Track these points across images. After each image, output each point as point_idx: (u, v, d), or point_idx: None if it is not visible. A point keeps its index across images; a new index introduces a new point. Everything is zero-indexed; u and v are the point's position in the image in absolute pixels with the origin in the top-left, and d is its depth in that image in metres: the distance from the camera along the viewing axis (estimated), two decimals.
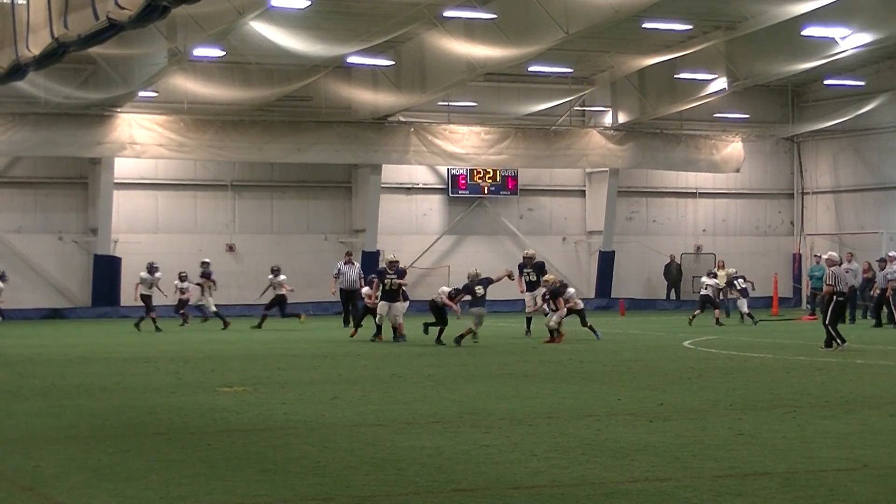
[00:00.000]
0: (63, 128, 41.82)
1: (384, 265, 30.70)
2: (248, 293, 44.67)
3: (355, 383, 19.19)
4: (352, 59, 41.27)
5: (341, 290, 36.87)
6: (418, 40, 40.83)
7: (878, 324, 35.72)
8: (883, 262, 37.53)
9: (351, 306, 36.12)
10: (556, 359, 24.29)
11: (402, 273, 30.20)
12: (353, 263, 37.16)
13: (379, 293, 29.70)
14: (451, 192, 48.44)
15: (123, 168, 44.01)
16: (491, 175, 48.44)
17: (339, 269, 36.66)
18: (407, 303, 30.72)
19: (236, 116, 43.96)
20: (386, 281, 29.41)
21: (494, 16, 36.99)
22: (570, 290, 30.07)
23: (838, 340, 25.45)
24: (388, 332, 29.81)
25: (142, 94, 41.82)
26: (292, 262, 44.93)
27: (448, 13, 37.27)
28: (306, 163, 45.76)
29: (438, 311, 28.81)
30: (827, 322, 25.63)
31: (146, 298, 35.85)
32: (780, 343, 26.92)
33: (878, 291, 36.36)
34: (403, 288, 30.08)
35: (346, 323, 35.74)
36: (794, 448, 12.29)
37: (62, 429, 14.21)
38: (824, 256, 28.14)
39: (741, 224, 53.19)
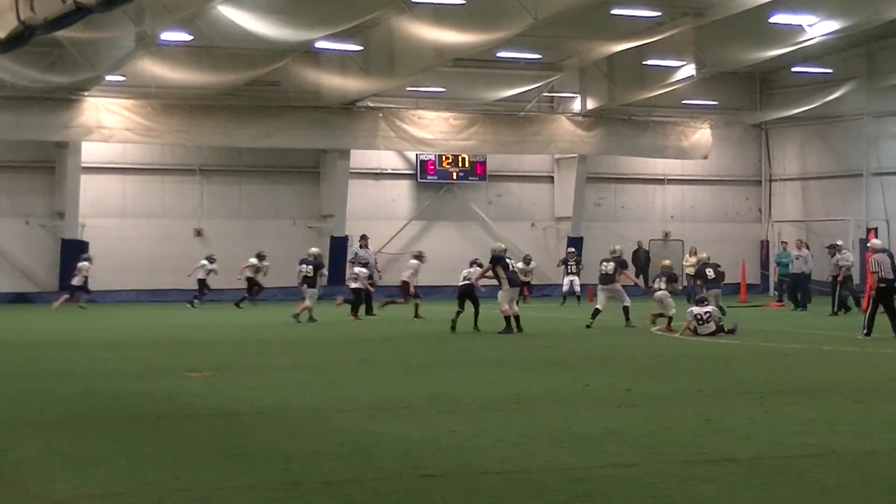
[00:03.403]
0: (29, 111, 41.59)
1: (497, 252, 28.14)
2: (216, 278, 44.57)
3: (324, 369, 19.18)
4: (320, 44, 41.15)
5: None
6: (387, 25, 40.73)
7: (834, 311, 35.60)
8: (833, 248, 37.25)
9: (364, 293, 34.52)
10: (524, 345, 24.33)
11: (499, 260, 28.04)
12: (368, 247, 36.16)
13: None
14: (420, 178, 48.41)
15: (91, 152, 43.80)
16: (460, 161, 48.44)
17: (357, 254, 35.45)
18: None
19: (204, 101, 43.78)
20: (509, 262, 27.79)
21: (463, 1, 36.93)
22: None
23: (866, 329, 25.24)
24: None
25: (109, 78, 41.61)
26: (260, 247, 44.73)
27: None
28: (274, 148, 45.64)
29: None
30: (868, 310, 25.61)
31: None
32: (747, 330, 27.00)
33: (830, 278, 36.37)
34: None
35: (356, 310, 33.60)
36: (761, 434, 12.33)
37: (28, 414, 14.14)
38: (868, 244, 27.96)
39: (709, 210, 53.36)
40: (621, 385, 16.77)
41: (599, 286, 30.28)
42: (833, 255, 36.57)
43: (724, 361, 20.70)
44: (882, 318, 25.28)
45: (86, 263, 39.03)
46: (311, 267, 31.99)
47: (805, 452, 11.36)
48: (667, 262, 31.11)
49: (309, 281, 31.88)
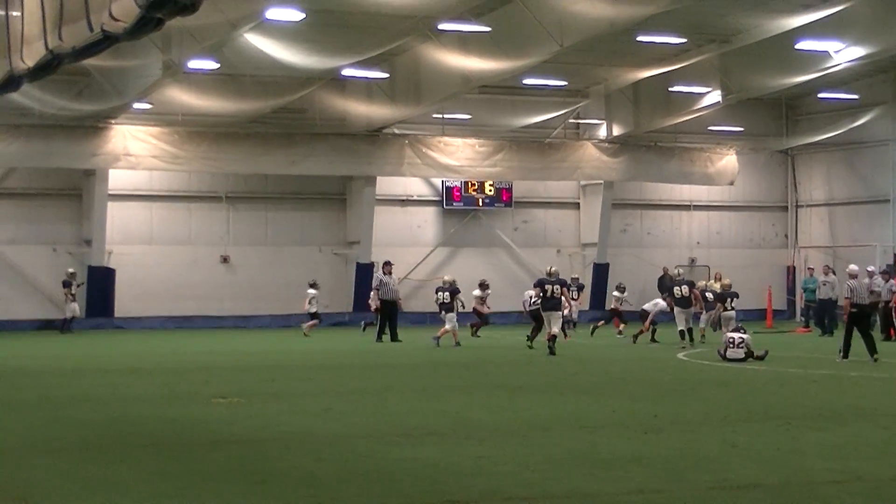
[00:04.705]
0: (57, 139, 41.80)
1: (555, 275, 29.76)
2: (242, 305, 44.68)
3: (348, 395, 19.17)
4: (346, 72, 41.24)
5: (382, 301, 35.00)
6: (413, 53, 40.82)
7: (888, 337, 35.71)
8: (886, 274, 37.51)
9: (389, 320, 34.82)
10: (549, 370, 24.29)
11: (563, 282, 29.68)
12: (392, 273, 36.07)
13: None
14: (446, 205, 48.45)
15: (118, 180, 43.97)
16: (485, 187, 48.46)
17: (381, 280, 35.11)
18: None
19: (230, 128, 43.94)
20: (547, 288, 28.90)
21: (489, 28, 36.97)
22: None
23: (842, 352, 26.09)
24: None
25: (136, 105, 41.81)
26: (286, 274, 44.92)
27: (443, 26, 37.26)
28: (300, 175, 45.74)
29: None
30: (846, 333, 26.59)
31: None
32: (774, 355, 26.92)
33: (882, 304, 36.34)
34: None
35: (380, 337, 34.47)
36: (788, 460, 12.28)
37: (54, 440, 14.18)
38: (846, 270, 28.38)
39: (735, 237, 53.23)
40: (647, 410, 16.73)
41: (677, 308, 32.30)
42: (887, 281, 36.70)
43: (750, 387, 20.62)
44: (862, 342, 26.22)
45: (312, 290, 38.83)
46: (447, 293, 33.38)
47: (831, 478, 11.30)
48: (726, 280, 34.23)
49: (446, 307, 33.19)
